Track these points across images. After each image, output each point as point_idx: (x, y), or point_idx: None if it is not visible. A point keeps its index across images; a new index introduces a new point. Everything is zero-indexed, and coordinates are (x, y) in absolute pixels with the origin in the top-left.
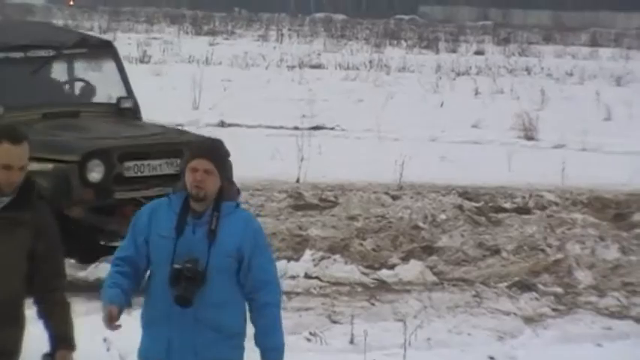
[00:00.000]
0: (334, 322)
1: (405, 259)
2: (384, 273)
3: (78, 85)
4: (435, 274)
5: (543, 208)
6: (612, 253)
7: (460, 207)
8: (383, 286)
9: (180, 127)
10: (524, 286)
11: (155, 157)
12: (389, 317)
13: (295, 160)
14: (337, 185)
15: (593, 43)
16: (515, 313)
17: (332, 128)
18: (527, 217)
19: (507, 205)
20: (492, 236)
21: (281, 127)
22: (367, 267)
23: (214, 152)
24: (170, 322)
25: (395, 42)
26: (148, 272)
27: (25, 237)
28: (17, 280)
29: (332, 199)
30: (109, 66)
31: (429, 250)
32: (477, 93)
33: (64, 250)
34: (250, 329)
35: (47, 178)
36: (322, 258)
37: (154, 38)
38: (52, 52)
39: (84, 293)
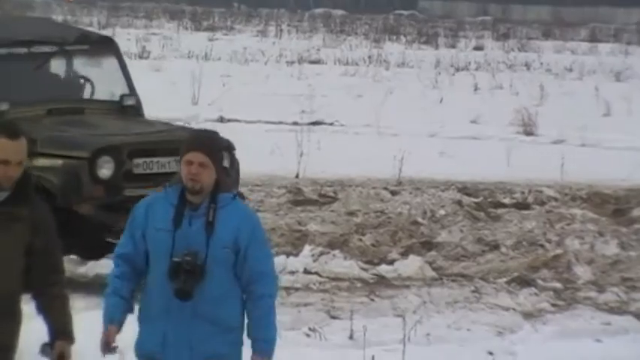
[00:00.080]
0: (333, 317)
1: (405, 254)
2: (383, 268)
3: (81, 82)
4: (434, 269)
5: (542, 203)
6: (611, 248)
7: (459, 202)
8: (382, 281)
9: (185, 124)
10: (524, 282)
11: (164, 155)
12: (388, 313)
13: (294, 156)
14: (336, 181)
15: (593, 38)
16: (514, 309)
17: (331, 124)
18: (526, 212)
19: (506, 201)
20: (491, 232)
21: (280, 123)
22: (366, 262)
23: (209, 145)
24: (168, 316)
25: (394, 37)
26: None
27: (22, 232)
28: (14, 275)
29: (331, 194)
30: (111, 63)
31: (428, 245)
32: (476, 88)
33: (69, 247)
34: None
35: (57, 174)
36: (321, 253)
37: (153, 34)
38: (54, 48)
39: (83, 289)
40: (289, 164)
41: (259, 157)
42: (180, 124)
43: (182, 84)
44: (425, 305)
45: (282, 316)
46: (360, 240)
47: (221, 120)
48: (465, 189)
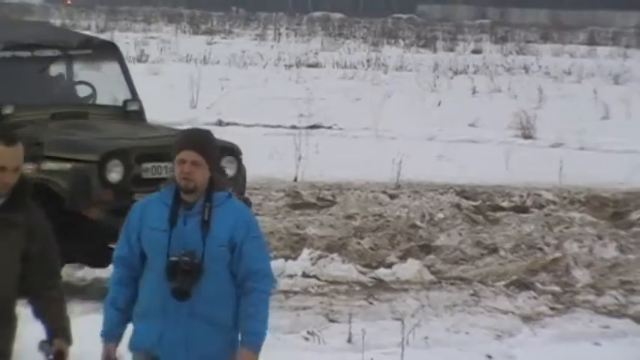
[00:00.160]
0: (332, 321)
1: (403, 257)
2: (381, 272)
3: (83, 87)
4: (432, 272)
5: (541, 206)
6: (610, 251)
7: (458, 206)
8: (381, 284)
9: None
10: (522, 285)
11: (172, 159)
12: (387, 316)
13: (293, 159)
14: (335, 184)
15: (591, 41)
16: (513, 312)
17: (329, 127)
18: (524, 215)
19: (505, 204)
20: (490, 235)
21: (278, 126)
22: (365, 266)
23: (201, 143)
24: (165, 316)
25: (393, 41)
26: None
27: (18, 238)
28: (10, 281)
29: (329, 198)
30: (114, 68)
31: (426, 248)
32: (474, 92)
33: (76, 253)
34: None
35: (66, 177)
36: (320, 257)
37: (152, 37)
38: (57, 52)
39: (81, 293)
40: (288, 168)
41: (258, 161)
42: (185, 128)
43: (180, 88)
44: (423, 309)
45: (281, 319)
46: (359, 243)
47: (219, 123)
48: (463, 192)
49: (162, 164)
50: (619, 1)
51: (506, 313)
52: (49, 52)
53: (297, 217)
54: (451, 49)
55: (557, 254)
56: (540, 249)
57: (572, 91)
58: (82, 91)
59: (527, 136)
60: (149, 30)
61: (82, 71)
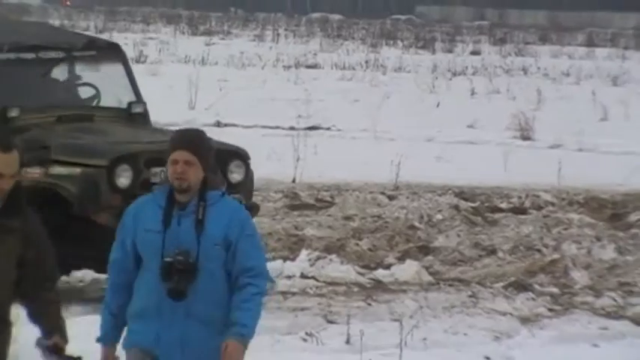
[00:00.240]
0: (330, 322)
1: (401, 259)
2: (380, 273)
3: (87, 89)
4: (431, 274)
5: (539, 208)
6: (608, 253)
7: (456, 207)
8: (379, 286)
9: None
10: (521, 286)
11: None
12: (385, 317)
13: (291, 160)
14: (333, 185)
15: (590, 43)
16: (511, 314)
17: (328, 128)
18: (523, 217)
19: (503, 205)
20: (488, 236)
21: (277, 127)
22: (363, 267)
23: (194, 142)
24: (161, 316)
25: (391, 42)
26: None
27: (14, 244)
28: (5, 286)
29: (328, 199)
30: (118, 69)
31: (425, 250)
32: (473, 93)
33: (85, 258)
34: None
35: (74, 182)
36: (318, 258)
37: (150, 38)
38: (61, 54)
39: (78, 295)
40: (286, 169)
41: (256, 162)
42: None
43: (179, 88)
44: (422, 310)
45: (279, 320)
46: (357, 244)
47: (218, 124)
48: (462, 193)
49: None
50: (617, 2)
51: (504, 314)
52: (53, 54)
53: (295, 218)
54: (450, 51)
55: (556, 255)
56: (539, 250)
57: (570, 93)
58: (86, 93)
59: (525, 138)
60: (148, 31)
61: (86, 73)
